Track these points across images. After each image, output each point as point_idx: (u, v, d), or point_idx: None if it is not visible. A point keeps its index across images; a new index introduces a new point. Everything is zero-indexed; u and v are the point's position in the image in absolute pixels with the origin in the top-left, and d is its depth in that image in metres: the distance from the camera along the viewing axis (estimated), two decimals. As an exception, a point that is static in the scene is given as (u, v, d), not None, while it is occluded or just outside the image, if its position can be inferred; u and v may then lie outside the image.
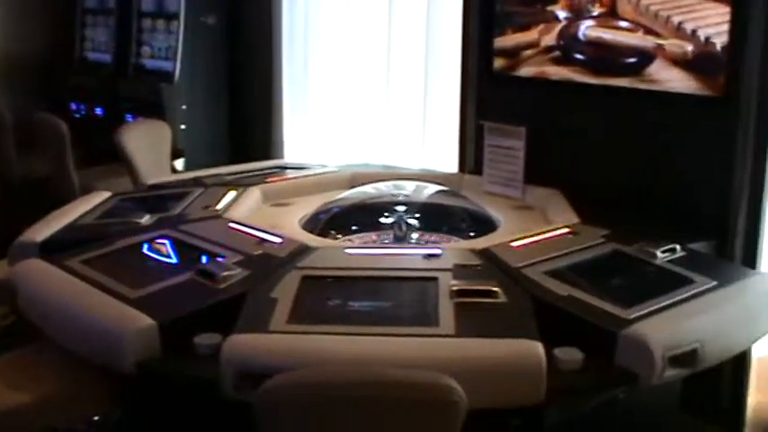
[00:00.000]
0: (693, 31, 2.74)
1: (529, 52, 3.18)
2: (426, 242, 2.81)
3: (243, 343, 1.92)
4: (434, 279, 2.24)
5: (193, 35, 4.66)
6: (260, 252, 2.44)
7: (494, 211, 2.96)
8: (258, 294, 2.15)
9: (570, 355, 1.95)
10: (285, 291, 2.17)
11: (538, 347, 1.89)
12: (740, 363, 2.83)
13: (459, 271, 2.29)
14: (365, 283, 2.28)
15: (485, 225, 2.86)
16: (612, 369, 1.99)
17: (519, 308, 2.10)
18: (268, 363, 1.85)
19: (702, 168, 2.83)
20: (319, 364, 1.84)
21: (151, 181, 3.43)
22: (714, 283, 2.29)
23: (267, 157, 4.45)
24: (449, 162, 3.68)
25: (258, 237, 2.56)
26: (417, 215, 2.91)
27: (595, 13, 2.98)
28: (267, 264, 2.35)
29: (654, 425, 2.44)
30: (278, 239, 2.52)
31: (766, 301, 2.34)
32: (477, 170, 3.31)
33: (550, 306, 2.13)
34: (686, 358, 2.01)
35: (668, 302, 2.15)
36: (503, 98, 3.32)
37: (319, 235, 2.77)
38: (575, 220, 2.76)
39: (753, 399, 2.92)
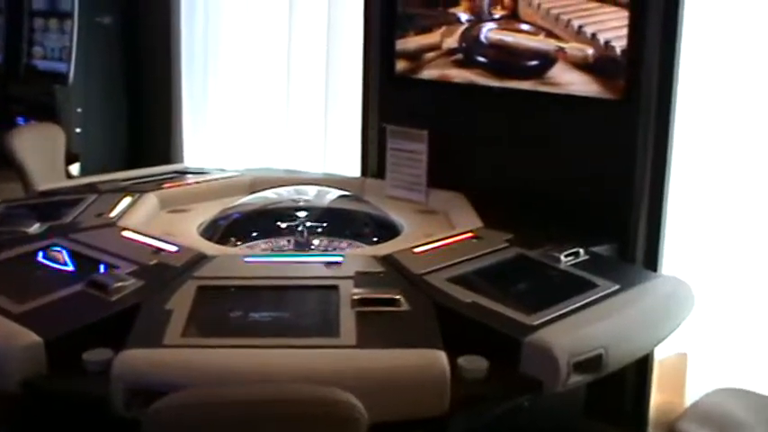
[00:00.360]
0: (593, 35, 2.74)
1: (431, 55, 3.15)
2: (328, 249, 2.75)
3: (134, 358, 1.83)
4: (335, 287, 2.18)
5: (88, 35, 4.51)
6: (155, 261, 2.34)
7: (397, 216, 2.92)
8: (152, 306, 2.06)
9: (474, 364, 1.91)
10: (180, 302, 2.08)
11: (441, 357, 1.85)
12: (643, 365, 2.84)
13: (361, 279, 2.24)
14: (264, 293, 2.21)
15: (388, 230, 2.82)
16: (517, 377, 1.96)
17: (422, 316, 2.06)
18: (161, 379, 1.76)
19: (604, 171, 2.84)
20: (214, 380, 1.77)
21: (43, 187, 3.30)
22: (617, 286, 2.29)
23: (167, 161, 4.34)
24: (351, 166, 3.62)
25: (153, 245, 2.46)
26: (319, 221, 2.86)
27: (497, 16, 2.96)
28: (162, 274, 2.26)
29: (559, 430, 2.43)
30: (174, 248, 2.44)
31: (667, 304, 2.35)
32: (380, 174, 3.27)
33: (454, 313, 2.09)
34: (590, 364, 1.99)
35: (572, 308, 2.14)
36: (405, 101, 3.28)
37: (218, 242, 2.69)
38: (478, 224, 2.74)
39: (655, 400, 2.94)
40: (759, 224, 2.76)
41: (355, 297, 2.10)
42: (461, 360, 1.91)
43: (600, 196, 2.84)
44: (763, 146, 2.73)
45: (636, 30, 2.65)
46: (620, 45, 2.69)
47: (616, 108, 2.76)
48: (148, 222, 2.80)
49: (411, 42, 3.20)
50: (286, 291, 2.22)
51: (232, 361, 1.84)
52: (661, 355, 2.88)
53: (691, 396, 2.90)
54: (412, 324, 2.03)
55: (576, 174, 2.90)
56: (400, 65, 3.25)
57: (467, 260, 2.42)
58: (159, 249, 2.43)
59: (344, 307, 2.07)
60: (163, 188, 3.14)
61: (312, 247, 2.76)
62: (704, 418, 2.28)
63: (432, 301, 2.14)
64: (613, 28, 2.69)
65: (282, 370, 1.82)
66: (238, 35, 4.18)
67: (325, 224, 2.86)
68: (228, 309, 2.12)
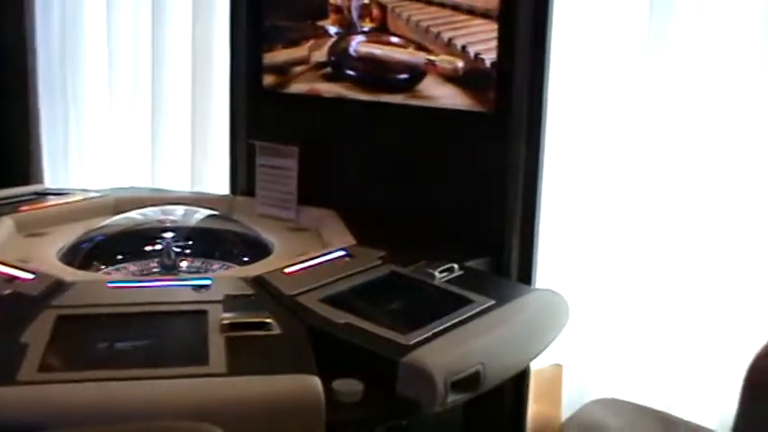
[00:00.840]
0: (463, 47, 2.72)
1: (299, 68, 3.08)
2: (197, 271, 2.66)
3: (-15, 398, 1.71)
4: (204, 312, 2.09)
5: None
6: (9, 291, 2.20)
7: (267, 235, 2.84)
8: (5, 340, 1.93)
9: (349, 387, 1.86)
10: (37, 334, 1.95)
11: (315, 382, 1.78)
12: (520, 377, 2.82)
13: (231, 302, 2.16)
14: (129, 321, 2.10)
15: (258, 250, 2.74)
16: (394, 398, 1.91)
17: (294, 339, 1.99)
18: (15, 419, 1.65)
19: (476, 185, 2.82)
20: (76, 418, 1.67)
21: None
22: (492, 301, 2.27)
23: (25, 182, 4.14)
24: (220, 184, 3.53)
25: (7, 273, 2.31)
26: (187, 242, 2.77)
27: (366, 29, 2.92)
28: (17, 304, 2.13)
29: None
30: (30, 275, 2.30)
31: (544, 317, 2.35)
32: (250, 192, 3.18)
33: (327, 335, 2.03)
34: (468, 382, 1.96)
35: (448, 325, 2.10)
36: (274, 116, 3.20)
37: (80, 267, 2.56)
38: (351, 241, 2.68)
39: (531, 410, 2.94)
40: (631, 233, 2.81)
41: (225, 322, 2.02)
42: (336, 384, 1.85)
43: (473, 210, 2.82)
44: (632, 155, 2.78)
45: (505, 42, 2.65)
46: (489, 57, 2.68)
47: (487, 121, 2.75)
48: (3, 248, 2.64)
49: (279, 56, 3.13)
50: (152, 317, 2.12)
51: (95, 396, 1.73)
52: (537, 365, 2.88)
53: (567, 407, 2.92)
54: (284, 348, 1.96)
55: (449, 188, 2.87)
56: (268, 79, 3.17)
57: (340, 279, 2.36)
58: (14, 278, 2.28)
59: (214, 333, 1.98)
60: (19, 211, 2.97)
61: (180, 269, 2.67)
62: (580, 430, 2.28)
63: (304, 323, 2.08)
64: (483, 40, 2.67)
65: (150, 403, 1.72)
66: (98, 48, 4.03)
67: (193, 245, 2.77)
68: (90, 339, 2.00)
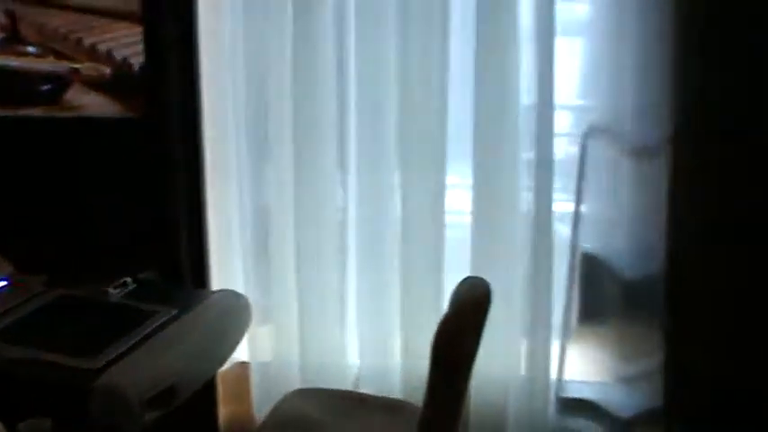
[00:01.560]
0: (109, 53, 2.62)
1: None
2: None
3: None
4: None
5: None
6: None
7: None
8: None
9: (36, 427, 1.75)
10: None
11: (-1, 428, 1.66)
12: (207, 382, 2.78)
13: None
14: None
15: None
16: (89, 427, 1.82)
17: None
18: None
19: (138, 194, 2.72)
20: None
21: None
22: (175, 311, 2.23)
23: None
24: None
25: None
26: None
27: (-4, 40, 2.72)
28: None
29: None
30: None
31: (228, 318, 2.35)
32: None
33: (4, 374, 1.89)
34: (163, 397, 1.92)
35: (135, 341, 2.05)
36: None
37: None
38: (9, 269, 2.50)
39: (223, 412, 2.92)
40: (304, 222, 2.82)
41: None
42: (22, 426, 1.74)
43: (137, 219, 2.72)
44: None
45: (152, 44, 2.58)
46: (137, 62, 2.60)
47: (140, 126, 2.66)
48: None
49: None
50: None
51: None
52: (222, 367, 2.85)
53: (258, 404, 2.91)
54: (-44, 398, 1.80)
55: (110, 200, 2.74)
56: None
57: (5, 312, 2.21)
58: None
59: None
60: None
61: None
62: (283, 423, 2.29)
63: (-25, 365, 1.92)
64: (129, 44, 2.59)
65: None
66: None
67: None
68: None
